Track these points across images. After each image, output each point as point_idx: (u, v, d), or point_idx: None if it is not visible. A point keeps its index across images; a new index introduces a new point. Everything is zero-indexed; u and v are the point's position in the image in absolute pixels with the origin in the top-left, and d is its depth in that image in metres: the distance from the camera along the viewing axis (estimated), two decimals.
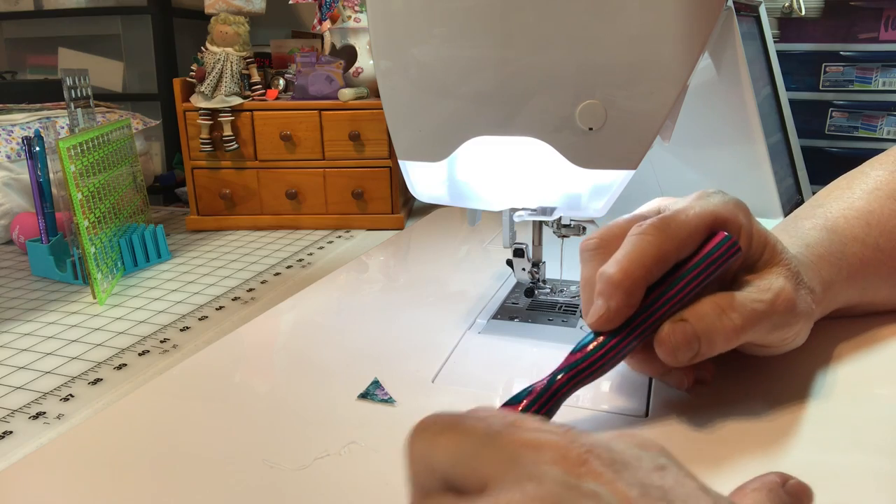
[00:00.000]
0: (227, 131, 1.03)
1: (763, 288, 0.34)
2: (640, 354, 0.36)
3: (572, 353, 0.34)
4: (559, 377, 0.33)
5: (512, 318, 0.51)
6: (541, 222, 0.50)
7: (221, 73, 1.03)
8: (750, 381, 0.39)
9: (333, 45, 1.12)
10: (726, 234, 0.34)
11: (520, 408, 0.32)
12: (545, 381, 0.33)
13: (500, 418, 0.22)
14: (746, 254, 0.35)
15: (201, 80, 1.03)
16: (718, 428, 0.35)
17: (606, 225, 0.38)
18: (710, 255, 0.34)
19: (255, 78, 1.06)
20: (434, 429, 0.22)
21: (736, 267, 0.35)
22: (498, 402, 0.40)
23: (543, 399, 0.32)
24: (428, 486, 0.22)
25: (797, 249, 0.41)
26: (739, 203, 0.36)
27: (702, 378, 0.37)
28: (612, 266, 0.33)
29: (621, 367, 0.42)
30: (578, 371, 0.33)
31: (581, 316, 0.51)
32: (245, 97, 1.04)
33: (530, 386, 0.33)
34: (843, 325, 0.45)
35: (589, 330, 0.35)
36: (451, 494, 0.21)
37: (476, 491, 0.20)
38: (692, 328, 0.33)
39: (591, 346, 0.34)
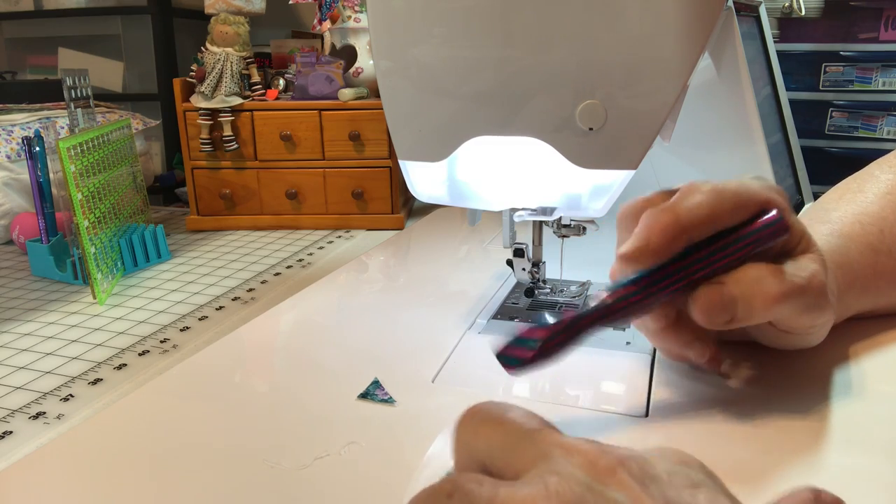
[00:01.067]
0: (227, 131, 1.03)
1: (801, 267, 0.34)
2: (666, 324, 0.36)
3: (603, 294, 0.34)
4: (585, 314, 0.33)
5: (512, 318, 0.51)
6: (541, 222, 0.50)
7: (221, 73, 1.03)
8: (750, 382, 0.39)
9: (333, 45, 1.12)
10: (777, 212, 0.34)
11: (548, 332, 0.33)
12: (573, 315, 0.33)
13: (540, 419, 0.23)
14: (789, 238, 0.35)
15: (201, 80, 1.03)
16: (718, 428, 0.35)
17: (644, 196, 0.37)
18: (759, 230, 0.34)
19: (255, 78, 1.06)
20: (478, 417, 0.23)
21: (777, 249, 0.35)
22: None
23: (571, 327, 0.33)
24: (467, 470, 0.23)
25: None
26: (781, 191, 0.36)
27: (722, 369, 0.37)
28: (662, 209, 0.33)
29: (620, 368, 0.42)
30: (605, 308, 0.33)
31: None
32: (245, 97, 1.04)
33: (560, 318, 0.33)
34: (855, 326, 0.44)
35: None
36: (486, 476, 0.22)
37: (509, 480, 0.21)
38: (730, 291, 0.33)
39: (621, 290, 0.34)
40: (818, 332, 0.37)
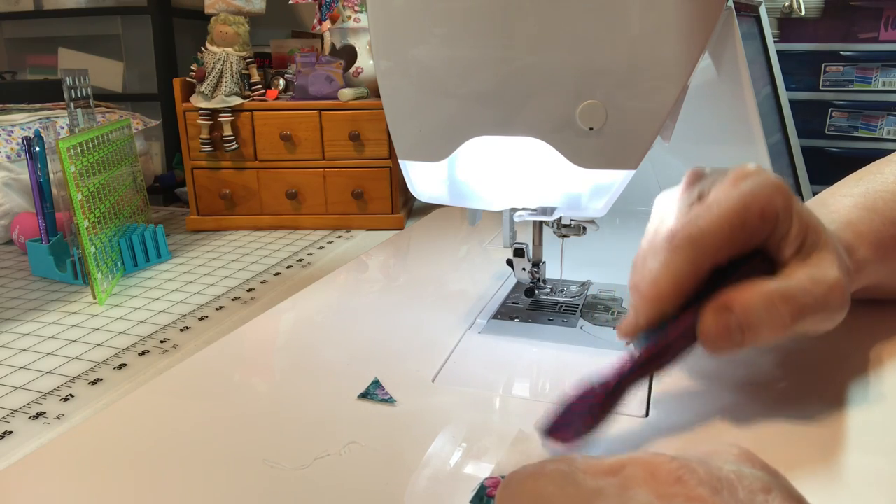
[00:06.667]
0: (227, 131, 1.03)
1: (817, 279, 0.32)
2: None
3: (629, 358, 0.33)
4: (615, 378, 0.32)
5: (512, 318, 0.51)
6: (541, 222, 0.50)
7: (221, 73, 1.03)
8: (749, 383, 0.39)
9: (333, 45, 1.12)
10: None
11: (601, 391, 0.31)
12: (617, 374, 0.32)
13: (577, 457, 0.22)
14: (788, 235, 0.33)
15: (201, 80, 1.03)
16: (718, 428, 0.35)
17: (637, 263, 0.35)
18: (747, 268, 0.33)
19: (255, 78, 1.06)
20: (515, 480, 0.22)
21: (785, 251, 0.33)
22: (498, 403, 0.40)
23: (605, 395, 0.31)
24: None
25: (836, 225, 0.40)
26: (778, 184, 0.34)
27: None
28: (644, 283, 0.33)
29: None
30: (642, 363, 0.32)
31: (581, 315, 0.51)
32: (245, 97, 1.04)
33: (586, 388, 0.32)
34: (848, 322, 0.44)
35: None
36: None
37: None
38: (736, 320, 0.31)
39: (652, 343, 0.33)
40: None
